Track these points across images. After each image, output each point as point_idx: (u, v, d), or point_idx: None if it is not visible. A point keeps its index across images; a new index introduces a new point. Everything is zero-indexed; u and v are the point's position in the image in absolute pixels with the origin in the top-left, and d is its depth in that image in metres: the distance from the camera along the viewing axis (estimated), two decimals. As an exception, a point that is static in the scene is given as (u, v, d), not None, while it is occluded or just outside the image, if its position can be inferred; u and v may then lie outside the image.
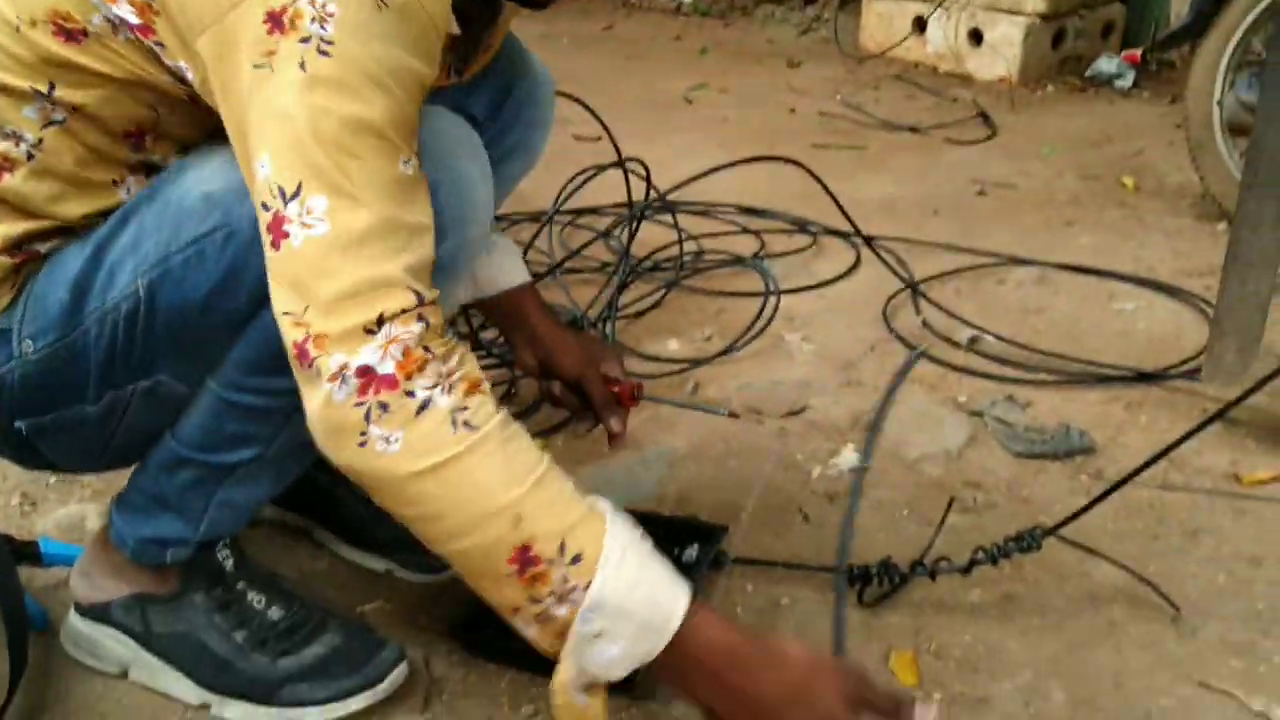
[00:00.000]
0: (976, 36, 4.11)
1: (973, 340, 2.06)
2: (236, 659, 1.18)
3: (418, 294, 0.90)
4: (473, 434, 0.90)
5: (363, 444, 0.89)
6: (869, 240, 2.32)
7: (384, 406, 0.88)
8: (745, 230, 2.61)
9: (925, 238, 2.53)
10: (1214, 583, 1.44)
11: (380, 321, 0.88)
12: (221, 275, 1.01)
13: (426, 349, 0.90)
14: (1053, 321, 2.16)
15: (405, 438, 0.89)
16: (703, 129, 3.48)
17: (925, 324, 2.13)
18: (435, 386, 0.89)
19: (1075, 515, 1.40)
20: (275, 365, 0.97)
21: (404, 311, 0.89)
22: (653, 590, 0.94)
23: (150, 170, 1.09)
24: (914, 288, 2.27)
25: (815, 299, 2.27)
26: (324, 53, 0.88)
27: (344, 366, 0.88)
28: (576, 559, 0.92)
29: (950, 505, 1.53)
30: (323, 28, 0.87)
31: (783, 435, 1.77)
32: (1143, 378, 1.92)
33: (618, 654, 0.94)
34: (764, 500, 1.59)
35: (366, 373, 0.88)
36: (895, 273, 2.31)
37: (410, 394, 0.88)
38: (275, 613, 1.21)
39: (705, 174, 2.36)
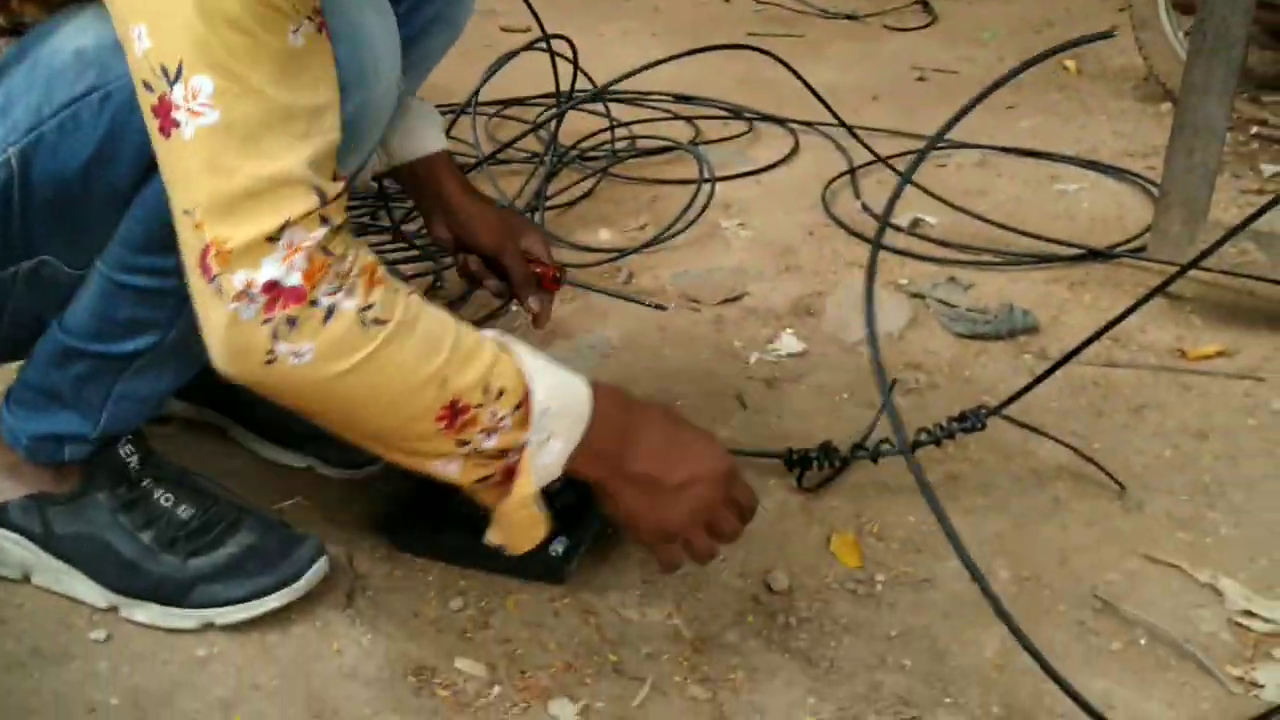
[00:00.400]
0: (915, -78, 3.99)
1: (914, 223, 2.01)
2: (144, 560, 1.11)
3: (320, 193, 0.85)
4: (383, 328, 0.87)
5: (270, 361, 0.86)
6: (850, 129, 2.22)
7: (292, 321, 0.84)
8: (679, 118, 2.52)
9: (865, 123, 2.46)
10: (1160, 457, 1.41)
11: (282, 228, 0.83)
12: (99, 141, 0.93)
13: (327, 251, 0.85)
14: (995, 204, 2.11)
15: (316, 349, 0.86)
16: (635, 18, 3.35)
17: (864, 208, 2.07)
18: (338, 291, 0.85)
19: (1019, 394, 1.36)
20: (167, 242, 0.89)
21: (306, 215, 0.84)
22: (569, 385, 0.99)
23: (19, 33, 0.99)
24: (853, 171, 2.21)
25: (752, 185, 2.20)
26: None
27: (249, 284, 0.83)
28: (500, 393, 0.93)
29: (893, 386, 1.49)
30: None
31: (719, 323, 1.71)
32: (1088, 255, 1.88)
33: (560, 447, 0.98)
34: (701, 388, 1.54)
35: (273, 288, 0.83)
36: (879, 155, 2.24)
37: (315, 303, 0.85)
38: (185, 511, 1.14)
39: (651, 65, 2.26)
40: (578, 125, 2.25)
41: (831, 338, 1.66)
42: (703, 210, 2.02)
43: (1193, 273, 1.65)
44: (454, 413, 0.92)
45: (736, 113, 2.55)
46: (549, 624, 1.17)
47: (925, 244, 1.94)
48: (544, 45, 2.07)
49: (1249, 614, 1.18)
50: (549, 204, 2.02)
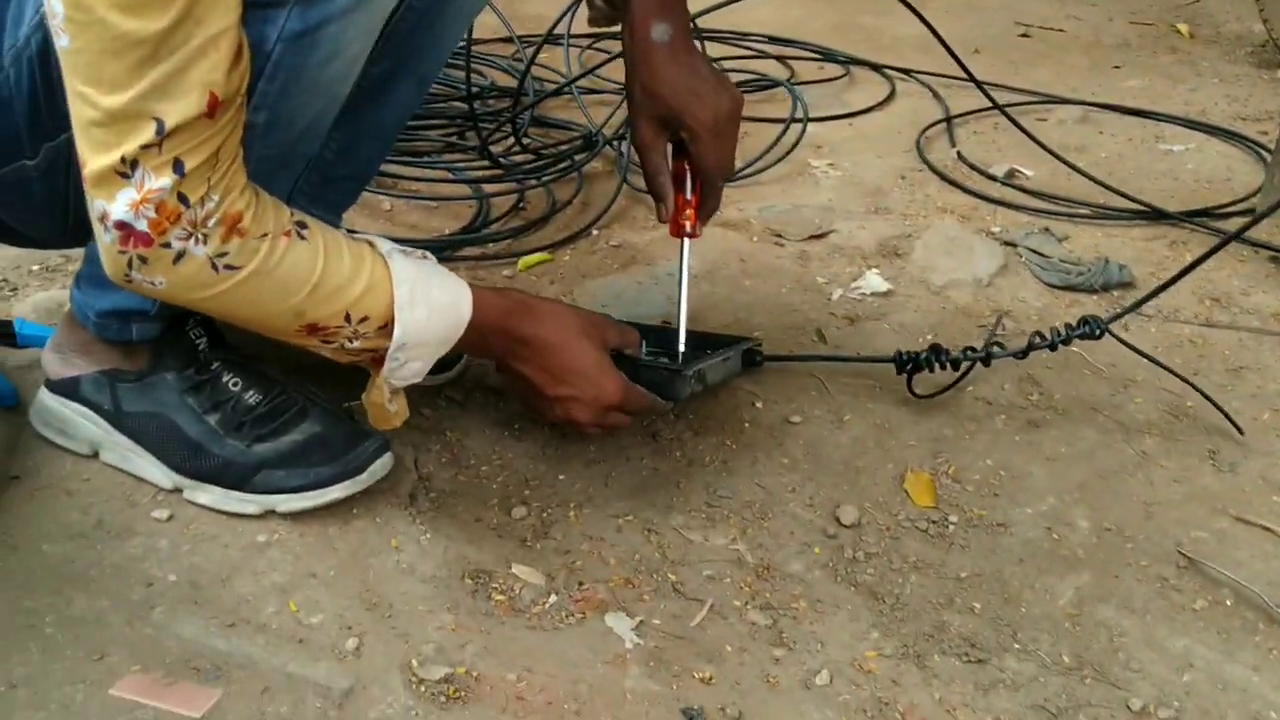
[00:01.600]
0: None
1: (1009, 174, 1.94)
2: (209, 442, 1.11)
3: (159, 123, 0.83)
4: (235, 273, 0.91)
5: (130, 281, 0.90)
6: (970, 74, 2.12)
7: (143, 259, 0.88)
8: (774, 58, 2.47)
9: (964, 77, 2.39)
10: (1257, 420, 1.35)
11: (132, 164, 0.84)
12: None
13: (181, 198, 0.86)
14: (1096, 160, 2.03)
15: (168, 282, 0.90)
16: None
17: (960, 156, 2.00)
18: (189, 237, 0.88)
19: (1135, 305, 1.31)
20: None
21: (145, 148, 0.83)
22: (443, 311, 1.02)
23: None
24: (949, 120, 2.14)
25: (845, 128, 2.15)
26: None
27: (105, 215, 0.87)
28: (364, 320, 0.98)
29: (999, 321, 1.44)
30: None
31: (803, 259, 1.67)
32: (1191, 215, 1.80)
33: (421, 366, 1.04)
34: (779, 320, 1.50)
35: (123, 227, 0.86)
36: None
37: (166, 245, 0.87)
38: (252, 396, 1.13)
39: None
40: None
41: (918, 280, 1.61)
42: (793, 147, 1.98)
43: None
44: (313, 329, 0.98)
45: (831, 56, 2.49)
46: (610, 538, 1.14)
47: (1021, 195, 1.88)
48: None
49: (1343, 582, 1.12)
50: (635, 133, 1.98)
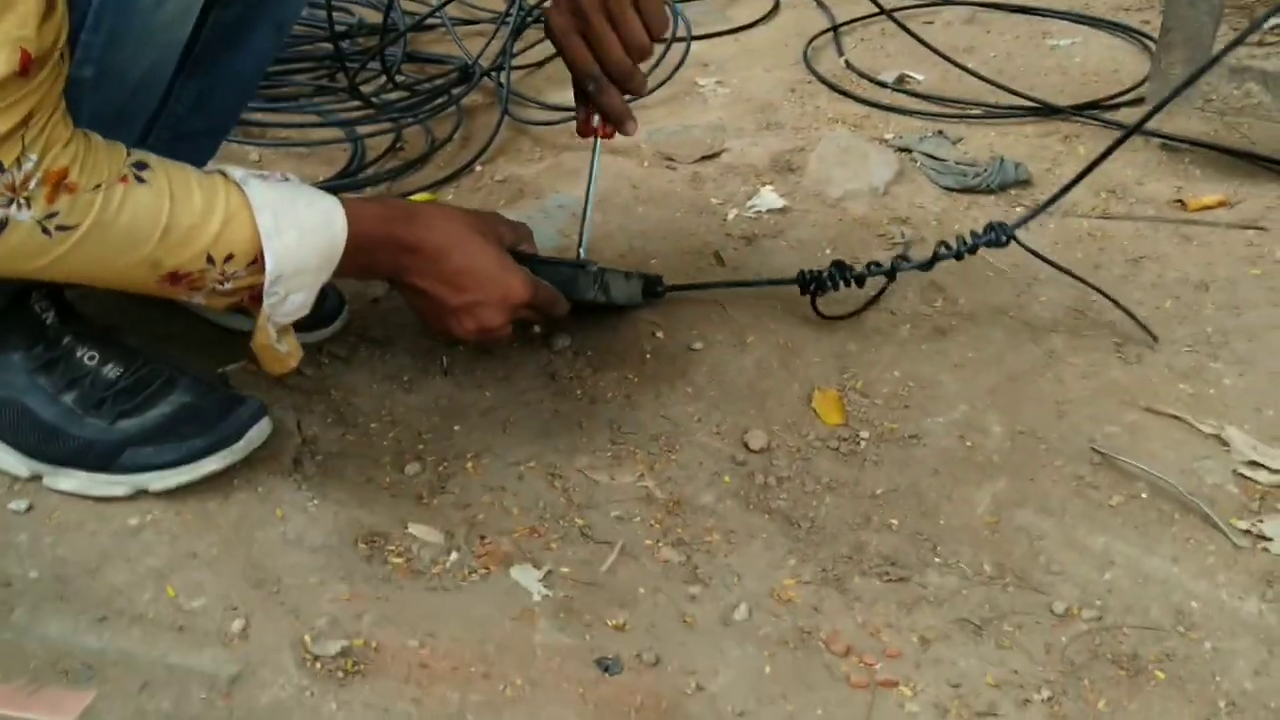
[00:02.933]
0: None
1: (899, 79, 1.89)
2: (67, 423, 1.02)
3: None
4: (71, 233, 0.83)
5: None
6: None
7: None
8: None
9: (848, -19, 2.34)
10: (1160, 309, 1.33)
11: None
12: None
13: None
14: (985, 60, 1.99)
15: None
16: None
17: (848, 64, 1.95)
18: (10, 203, 0.79)
19: (1038, 211, 1.28)
20: None
21: None
22: (315, 232, 0.93)
23: None
24: (836, 29, 2.09)
25: (731, 44, 2.08)
26: None
27: None
28: (229, 258, 0.90)
29: (906, 240, 1.41)
30: None
31: (696, 180, 1.61)
32: (1082, 108, 1.78)
33: (305, 297, 0.95)
34: (676, 245, 1.45)
35: None
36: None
37: None
38: (112, 370, 1.05)
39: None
40: (544, -18, 2.12)
41: (813, 193, 1.56)
42: (677, 67, 1.91)
43: (1191, 122, 1.57)
44: (176, 278, 0.89)
45: (713, -28, 2.41)
46: (512, 487, 1.09)
47: (912, 100, 1.83)
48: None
49: (1255, 465, 1.11)
50: (515, 64, 1.90)
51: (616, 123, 1.15)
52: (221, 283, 0.91)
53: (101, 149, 0.84)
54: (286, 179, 0.96)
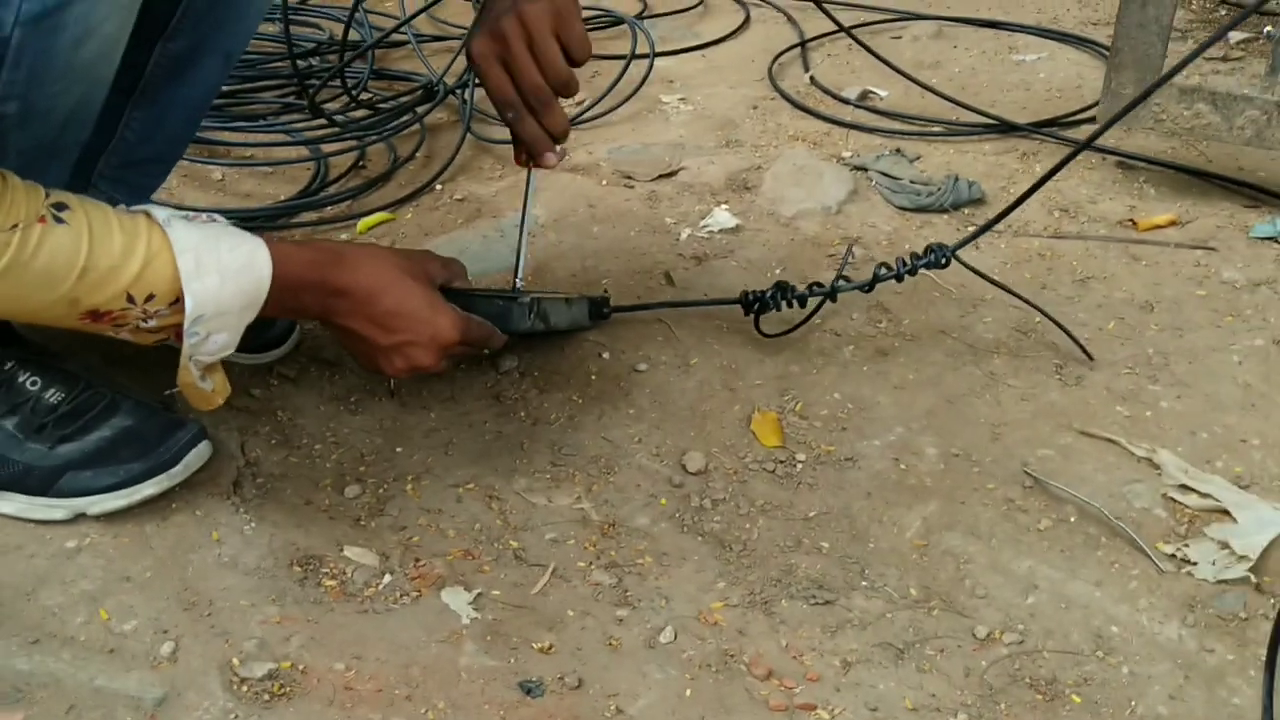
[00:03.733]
0: None
1: (862, 96, 1.91)
2: (7, 448, 1.04)
3: None
4: None
5: None
6: (816, 1, 2.06)
7: None
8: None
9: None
10: (1103, 330, 1.34)
11: None
12: None
13: None
14: (950, 76, 2.02)
15: None
16: (588, -108, 3.21)
17: (813, 80, 1.97)
18: None
19: (979, 232, 1.28)
20: None
21: None
22: (238, 275, 0.94)
23: None
24: (804, 44, 2.11)
25: (698, 60, 2.10)
26: None
27: None
28: (150, 298, 0.91)
29: (850, 250, 1.42)
30: None
31: (653, 199, 1.62)
32: (1039, 126, 1.79)
33: (228, 338, 0.96)
34: (628, 265, 1.46)
35: None
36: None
37: None
38: (54, 395, 1.07)
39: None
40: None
41: (767, 212, 1.58)
42: (640, 85, 1.93)
43: (1146, 140, 1.59)
44: (96, 315, 0.91)
45: (685, -15, 2.43)
46: (450, 510, 1.11)
47: (873, 117, 1.85)
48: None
49: (1185, 489, 1.12)
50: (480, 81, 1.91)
51: (534, 154, 1.14)
52: (144, 321, 0.93)
53: (20, 189, 0.85)
54: (214, 219, 0.97)
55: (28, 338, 1.12)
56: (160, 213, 0.93)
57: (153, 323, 0.93)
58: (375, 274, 1.03)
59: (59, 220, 0.86)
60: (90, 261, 0.88)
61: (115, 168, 1.19)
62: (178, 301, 0.92)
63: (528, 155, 1.16)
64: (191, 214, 0.96)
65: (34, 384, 1.07)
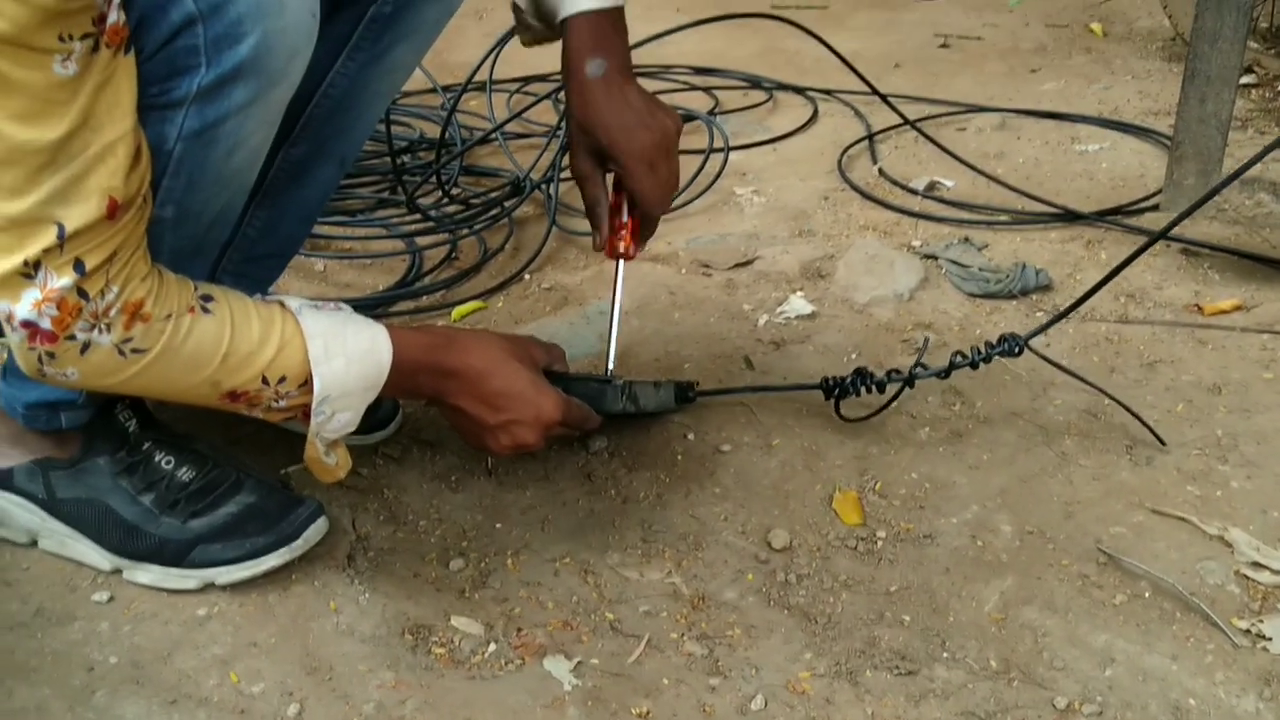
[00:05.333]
0: (943, -111, 3.94)
1: (930, 187, 1.98)
2: (145, 522, 1.13)
3: (60, 227, 0.86)
4: (144, 356, 0.94)
5: (44, 375, 0.93)
6: (882, 96, 2.14)
7: (50, 355, 0.91)
8: (698, 89, 2.51)
9: (886, 91, 2.44)
10: (1171, 412, 1.39)
11: (35, 266, 0.86)
12: None
13: (81, 293, 0.89)
14: (1014, 166, 2.08)
15: (80, 372, 0.93)
16: (658, -7, 3.35)
17: (881, 172, 2.05)
18: (93, 328, 0.90)
19: (1051, 322, 1.35)
20: None
21: (47, 251, 0.86)
22: (361, 359, 1.03)
23: None
24: (871, 137, 2.19)
25: (769, 154, 2.19)
26: None
27: (9, 316, 0.89)
28: (282, 380, 1.00)
29: (926, 339, 1.48)
30: None
31: (730, 287, 1.70)
32: (1104, 214, 1.85)
33: (351, 417, 1.05)
34: (708, 350, 1.54)
35: (29, 325, 0.89)
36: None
37: (71, 339, 0.90)
38: (186, 474, 1.15)
39: (665, 34, 2.25)
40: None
41: (841, 300, 1.65)
42: (716, 178, 2.02)
43: (1209, 228, 1.64)
44: (234, 397, 1.00)
45: (755, 83, 2.54)
46: (548, 583, 1.17)
47: (941, 207, 1.92)
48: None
49: (1257, 566, 1.16)
50: (564, 176, 2.02)
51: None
52: (276, 401, 1.01)
53: (173, 283, 0.95)
54: (340, 308, 1.06)
55: (161, 419, 1.21)
56: (292, 302, 1.03)
57: (283, 403, 1.02)
58: (484, 357, 1.11)
59: (206, 310, 0.96)
60: (232, 347, 0.97)
61: (237, 263, 1.29)
62: (307, 383, 1.01)
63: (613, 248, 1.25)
64: (320, 302, 1.05)
65: (168, 463, 1.16)
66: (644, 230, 1.27)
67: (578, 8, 1.14)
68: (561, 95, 2.28)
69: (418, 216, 1.91)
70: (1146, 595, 1.14)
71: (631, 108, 1.17)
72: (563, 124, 2.09)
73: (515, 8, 1.22)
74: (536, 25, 1.22)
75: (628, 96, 1.17)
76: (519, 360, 1.14)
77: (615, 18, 1.17)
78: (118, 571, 1.14)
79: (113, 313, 0.90)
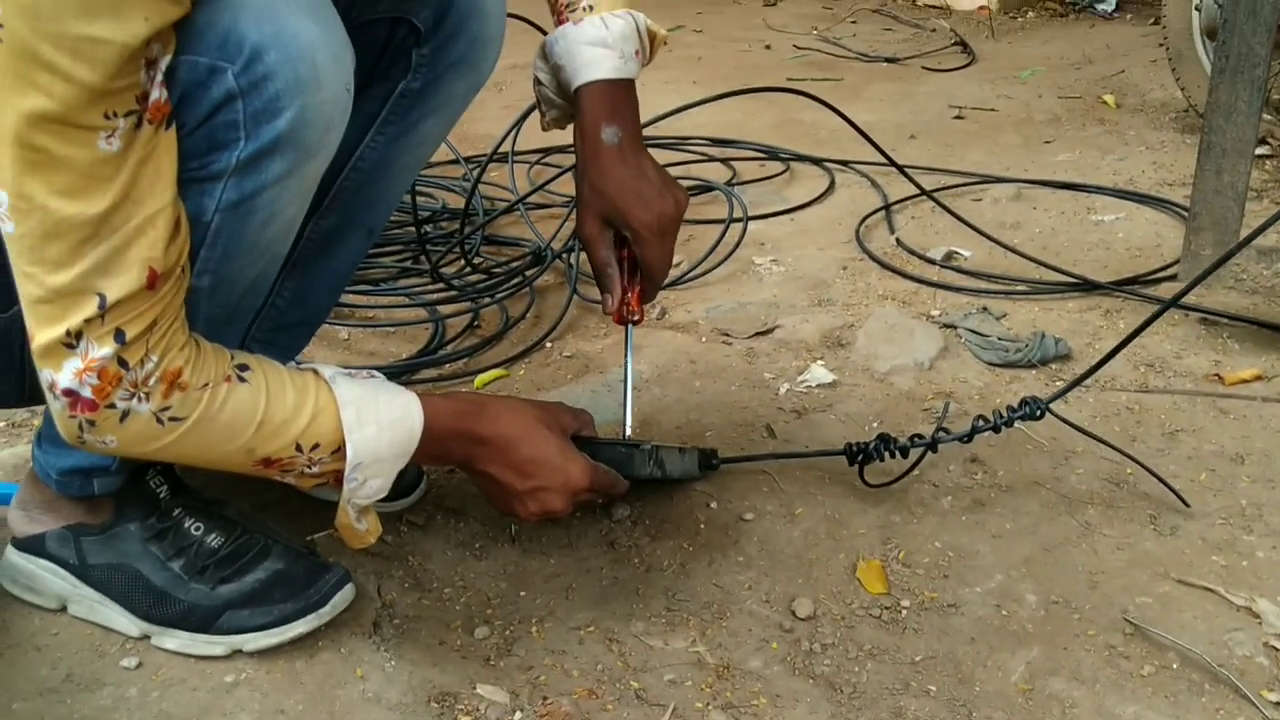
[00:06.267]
0: (954, -35, 4.03)
1: (947, 257, 2.00)
2: (174, 588, 1.14)
3: (101, 298, 0.88)
4: (181, 424, 0.95)
5: (83, 442, 0.95)
6: (899, 167, 2.16)
7: (91, 422, 0.93)
8: (716, 160, 2.55)
9: (902, 162, 2.47)
10: (1195, 481, 1.39)
11: (76, 336, 0.89)
12: None
13: (121, 362, 0.91)
14: (1030, 236, 2.11)
15: (118, 440, 0.95)
16: (677, 67, 3.41)
17: (899, 242, 2.07)
18: (132, 397, 0.92)
19: (1071, 386, 1.35)
20: None
21: (88, 321, 0.89)
22: (393, 426, 1.04)
23: None
24: (888, 207, 2.22)
25: (786, 224, 2.22)
26: None
27: (53, 384, 0.91)
28: (315, 447, 1.01)
29: (946, 408, 1.49)
30: None
31: (751, 355, 1.72)
32: (1121, 284, 1.86)
33: (382, 483, 1.06)
34: (730, 418, 1.55)
35: (70, 394, 0.91)
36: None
37: (111, 407, 0.92)
38: (215, 540, 1.16)
39: (685, 108, 2.29)
40: (613, 168, 2.28)
41: (861, 368, 1.66)
42: (735, 247, 2.04)
43: (1228, 298, 1.65)
44: (268, 463, 1.01)
45: (772, 154, 2.58)
46: (573, 651, 1.17)
47: (959, 276, 1.94)
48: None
49: (1285, 637, 1.15)
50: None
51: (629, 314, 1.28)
52: (309, 467, 1.02)
53: (210, 352, 0.97)
54: (372, 375, 1.08)
55: (191, 485, 1.22)
56: (326, 370, 1.04)
57: (316, 469, 1.03)
58: (514, 424, 1.12)
59: (242, 379, 0.98)
60: (267, 415, 0.98)
61: (266, 331, 1.31)
62: (339, 450, 1.02)
63: (624, 314, 1.27)
64: (353, 370, 1.07)
65: (198, 529, 1.17)
66: (646, 297, 1.29)
67: (593, 76, 1.17)
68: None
69: (440, 285, 1.93)
70: (1175, 666, 1.13)
71: (647, 178, 1.20)
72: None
73: (537, 82, 1.25)
74: (557, 101, 1.24)
75: (643, 166, 1.20)
76: (548, 427, 1.15)
77: (627, 89, 1.20)
78: (146, 637, 1.15)
79: (151, 381, 0.92)
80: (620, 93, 1.19)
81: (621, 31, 1.18)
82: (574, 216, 2.09)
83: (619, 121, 1.19)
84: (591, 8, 1.18)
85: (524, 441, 1.12)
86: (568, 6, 1.20)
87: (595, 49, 1.17)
